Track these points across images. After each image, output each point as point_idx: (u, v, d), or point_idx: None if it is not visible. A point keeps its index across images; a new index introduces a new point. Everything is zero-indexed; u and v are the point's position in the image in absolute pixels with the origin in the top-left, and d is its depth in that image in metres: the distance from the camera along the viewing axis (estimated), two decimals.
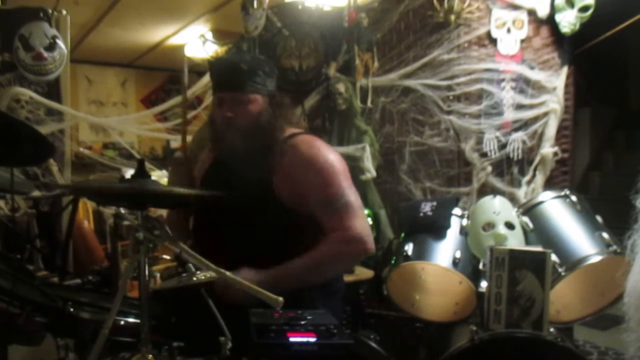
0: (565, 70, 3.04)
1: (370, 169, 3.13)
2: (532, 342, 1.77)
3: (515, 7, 3.01)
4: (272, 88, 1.74)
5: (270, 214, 1.68)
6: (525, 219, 2.11)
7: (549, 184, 2.99)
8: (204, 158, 1.95)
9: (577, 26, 2.94)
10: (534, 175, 3.01)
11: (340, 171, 1.70)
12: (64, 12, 3.51)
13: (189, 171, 1.93)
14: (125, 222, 2.62)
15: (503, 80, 3.01)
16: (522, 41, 3.02)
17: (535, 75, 3.01)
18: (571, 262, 1.93)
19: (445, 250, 2.11)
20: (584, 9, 2.91)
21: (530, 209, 2.15)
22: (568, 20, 2.94)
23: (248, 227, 1.68)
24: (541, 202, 2.15)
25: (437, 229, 2.16)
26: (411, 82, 3.15)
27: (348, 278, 2.51)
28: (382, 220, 3.20)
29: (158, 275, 2.79)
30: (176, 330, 1.47)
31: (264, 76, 1.71)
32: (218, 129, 1.75)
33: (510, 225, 2.07)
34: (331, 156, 1.72)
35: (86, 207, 4.12)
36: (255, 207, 1.67)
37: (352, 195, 1.68)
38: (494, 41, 3.02)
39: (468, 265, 2.08)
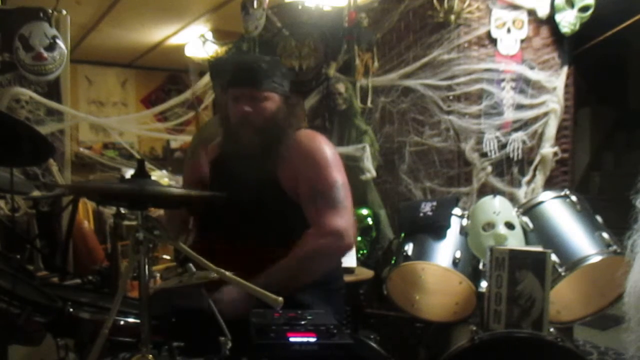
0: (565, 70, 3.04)
1: (370, 169, 3.13)
2: (532, 342, 1.77)
3: (515, 7, 3.01)
4: (287, 89, 1.79)
5: (278, 209, 1.71)
6: (525, 219, 2.11)
7: (549, 184, 2.99)
8: (208, 153, 1.95)
9: (577, 26, 2.94)
10: (534, 175, 3.01)
11: (332, 166, 1.73)
12: (64, 12, 3.51)
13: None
14: (125, 222, 2.62)
15: (503, 80, 3.01)
16: (522, 41, 3.01)
17: (535, 75, 3.01)
18: (571, 262, 1.93)
19: (445, 250, 2.11)
20: (584, 9, 2.91)
21: (530, 209, 2.15)
22: (568, 20, 2.94)
23: (256, 221, 1.70)
24: (541, 202, 2.15)
25: (437, 229, 2.16)
26: (411, 82, 3.14)
27: (348, 278, 2.51)
28: (382, 220, 3.20)
29: (158, 275, 2.79)
30: (176, 330, 1.47)
31: (281, 77, 1.76)
32: (233, 124, 1.78)
33: (510, 225, 2.06)
34: (327, 151, 1.75)
35: (86, 207, 4.12)
36: (263, 202, 1.69)
37: (339, 192, 1.70)
38: (494, 41, 3.02)
39: (468, 265, 2.08)
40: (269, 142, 1.73)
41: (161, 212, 2.31)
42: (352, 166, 3.13)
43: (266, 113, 1.73)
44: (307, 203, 1.70)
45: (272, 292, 1.36)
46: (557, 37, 3.03)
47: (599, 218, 2.09)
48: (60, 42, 3.45)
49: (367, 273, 2.73)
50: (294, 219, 1.70)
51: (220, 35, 4.98)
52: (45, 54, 3.40)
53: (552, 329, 1.85)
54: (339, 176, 1.73)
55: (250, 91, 1.73)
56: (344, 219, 1.69)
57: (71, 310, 1.40)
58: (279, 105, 1.75)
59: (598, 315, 2.06)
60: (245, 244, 1.68)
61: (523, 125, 3.01)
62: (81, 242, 3.48)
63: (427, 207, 2.27)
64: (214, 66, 3.70)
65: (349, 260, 2.59)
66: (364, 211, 3.14)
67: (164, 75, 7.75)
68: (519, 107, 3.00)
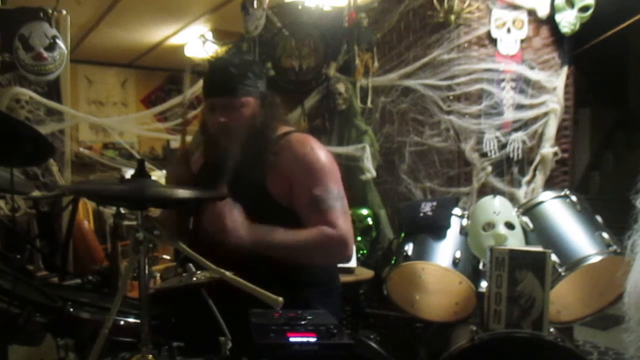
0: (565, 70, 3.04)
1: (370, 169, 3.13)
2: (532, 342, 1.77)
3: (515, 7, 3.01)
4: (262, 89, 1.74)
5: (266, 213, 1.68)
6: (525, 219, 2.11)
7: (549, 184, 2.99)
8: (196, 158, 1.94)
9: (577, 26, 2.94)
10: (534, 175, 3.01)
11: (329, 172, 1.70)
12: (64, 12, 3.51)
13: (189, 168, 1.92)
14: (125, 222, 2.62)
15: (503, 80, 3.01)
16: (522, 41, 3.02)
17: (535, 75, 3.01)
18: (571, 262, 1.93)
19: (445, 250, 2.11)
20: (584, 9, 2.91)
21: (530, 209, 2.15)
22: (568, 20, 2.94)
23: None
24: (541, 202, 2.15)
25: (437, 229, 2.16)
26: (411, 82, 3.15)
27: (348, 278, 2.51)
28: (382, 220, 3.20)
29: (158, 275, 2.79)
30: (176, 330, 1.47)
31: (254, 78, 1.71)
32: (211, 133, 1.74)
33: (510, 225, 2.06)
34: (322, 156, 1.72)
35: (86, 207, 4.11)
36: (250, 206, 1.67)
37: (338, 199, 1.68)
38: (494, 41, 3.02)
39: (468, 265, 2.08)
40: (250, 148, 1.70)
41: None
42: (352, 166, 3.13)
43: (243, 120, 1.68)
44: (307, 210, 1.67)
45: (265, 249, 1.40)
46: (557, 37, 3.03)
47: (599, 218, 2.09)
48: (60, 42, 3.45)
49: (367, 273, 2.73)
50: (283, 223, 1.67)
51: (220, 35, 4.98)
52: (45, 54, 3.40)
53: (552, 329, 1.85)
54: (336, 182, 1.71)
55: (224, 100, 1.69)
56: (347, 226, 1.68)
57: (71, 310, 1.40)
58: (255, 108, 1.71)
59: (598, 315, 2.06)
60: (235, 247, 1.67)
61: (523, 125, 3.01)
62: (81, 242, 3.48)
63: (427, 207, 2.27)
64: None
65: None
66: (364, 211, 3.14)
67: (164, 75, 7.75)
68: (519, 107, 3.01)
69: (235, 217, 1.58)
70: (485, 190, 2.93)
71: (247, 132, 1.69)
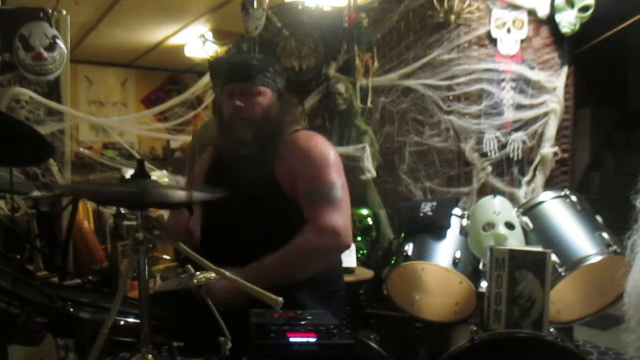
0: (565, 70, 3.04)
1: (370, 169, 3.13)
2: (532, 342, 1.77)
3: (515, 7, 3.02)
4: (280, 86, 1.82)
5: (275, 208, 1.71)
6: (525, 219, 2.11)
7: (549, 184, 2.99)
8: (206, 155, 1.97)
9: (577, 26, 2.94)
10: (534, 175, 3.01)
11: (331, 165, 1.74)
12: (64, 12, 3.51)
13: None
14: (125, 222, 2.63)
15: (503, 80, 3.01)
16: (522, 41, 3.02)
17: (535, 75, 3.01)
18: (571, 262, 1.93)
19: (445, 250, 2.11)
20: (584, 9, 2.91)
21: (530, 209, 2.15)
22: (568, 20, 2.94)
23: (253, 220, 1.70)
24: (541, 202, 2.15)
25: (437, 229, 2.16)
26: (411, 82, 3.15)
27: (348, 278, 2.51)
28: (382, 220, 3.20)
29: (158, 275, 2.79)
30: (176, 330, 1.47)
31: (274, 73, 1.79)
32: (226, 120, 1.80)
33: (510, 225, 2.06)
34: (325, 150, 1.77)
35: (86, 207, 4.11)
36: (260, 201, 1.70)
37: (338, 190, 1.70)
38: (494, 41, 3.02)
39: (468, 265, 2.08)
40: (262, 136, 1.75)
41: (161, 212, 2.32)
42: (352, 166, 3.13)
43: (258, 107, 1.75)
44: (305, 201, 1.71)
45: (262, 284, 1.34)
46: (557, 37, 3.03)
47: (599, 218, 2.08)
48: (60, 42, 3.45)
49: (367, 273, 2.72)
50: (292, 217, 1.71)
51: (220, 35, 4.99)
52: (45, 54, 3.40)
53: (552, 329, 1.85)
54: (337, 176, 1.73)
55: (242, 86, 1.76)
56: (341, 217, 1.69)
57: (71, 310, 1.40)
58: (271, 100, 1.78)
59: (598, 315, 2.06)
60: (243, 241, 1.68)
61: (523, 125, 3.01)
62: (81, 242, 3.48)
63: (427, 207, 2.27)
64: (214, 66, 3.70)
65: (349, 260, 2.59)
66: (364, 211, 3.14)
67: (164, 75, 7.75)
68: (519, 107, 3.01)
69: (218, 287, 1.54)
70: (485, 190, 2.93)
71: (261, 121, 1.75)
